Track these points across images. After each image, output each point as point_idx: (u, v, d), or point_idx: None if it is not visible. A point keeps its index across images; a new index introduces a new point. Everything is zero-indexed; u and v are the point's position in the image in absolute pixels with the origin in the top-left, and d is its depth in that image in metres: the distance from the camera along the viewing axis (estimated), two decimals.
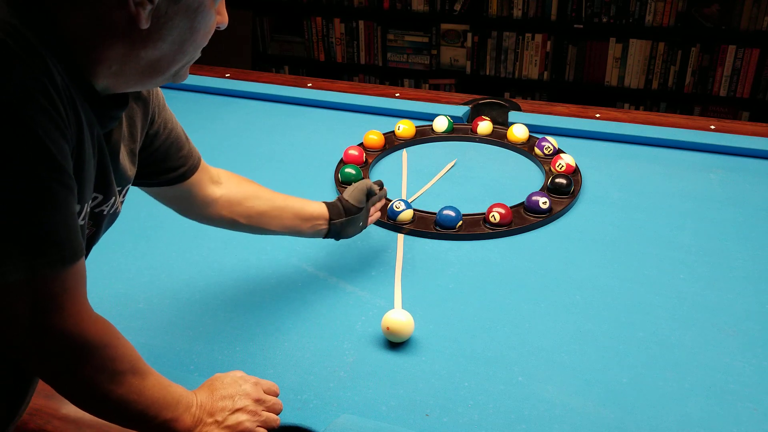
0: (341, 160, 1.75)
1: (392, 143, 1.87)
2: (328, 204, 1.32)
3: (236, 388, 0.93)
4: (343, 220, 1.31)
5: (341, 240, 1.36)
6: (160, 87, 0.95)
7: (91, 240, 0.90)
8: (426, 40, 3.96)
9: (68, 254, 0.72)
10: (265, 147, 1.92)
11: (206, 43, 0.82)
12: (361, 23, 4.02)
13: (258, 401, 0.93)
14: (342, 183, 1.66)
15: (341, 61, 4.15)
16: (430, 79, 4.04)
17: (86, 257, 0.91)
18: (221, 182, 1.19)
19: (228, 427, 0.90)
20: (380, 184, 1.43)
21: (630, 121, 1.94)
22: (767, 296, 1.28)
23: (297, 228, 1.27)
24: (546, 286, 1.32)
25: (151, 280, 1.35)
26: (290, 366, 1.12)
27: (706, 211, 1.56)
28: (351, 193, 1.34)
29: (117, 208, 0.92)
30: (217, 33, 0.84)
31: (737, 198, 1.61)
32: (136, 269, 1.38)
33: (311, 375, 1.10)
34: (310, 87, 2.22)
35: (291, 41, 4.25)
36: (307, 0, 4.08)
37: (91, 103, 0.77)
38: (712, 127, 1.89)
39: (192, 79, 2.28)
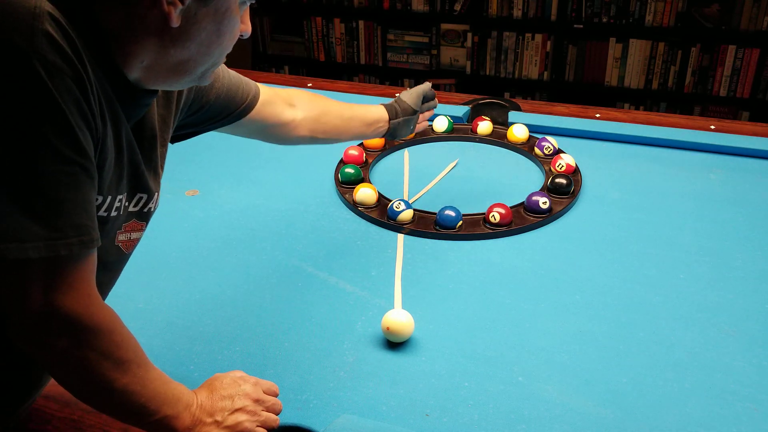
0: (341, 160, 1.75)
1: (392, 143, 1.87)
2: (386, 106, 1.41)
3: (236, 388, 0.93)
4: (400, 120, 1.41)
5: (340, 237, 1.36)
6: None
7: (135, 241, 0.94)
8: (426, 40, 3.96)
9: (86, 239, 0.74)
10: (265, 147, 1.91)
11: (230, 48, 0.85)
12: (361, 23, 4.02)
13: (257, 401, 0.93)
14: (342, 183, 1.66)
15: (341, 61, 4.15)
16: (430, 79, 4.04)
17: (130, 256, 0.95)
18: (295, 104, 1.26)
19: (227, 427, 0.90)
20: (433, 94, 1.50)
21: (630, 121, 1.94)
22: (767, 296, 1.28)
23: (364, 133, 1.39)
24: (546, 286, 1.32)
25: (151, 280, 1.35)
26: (290, 366, 1.12)
27: (706, 211, 1.56)
28: (410, 95, 1.43)
29: (158, 198, 0.96)
30: None
31: (737, 198, 1.61)
32: (136, 269, 1.37)
33: (311, 375, 1.10)
34: (310, 87, 2.22)
35: (291, 41, 4.25)
36: (307, 0, 4.09)
37: (122, 93, 0.79)
38: (712, 127, 1.89)
39: None
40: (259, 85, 1.21)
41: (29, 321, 0.74)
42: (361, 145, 1.82)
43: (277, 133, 1.25)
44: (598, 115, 1.98)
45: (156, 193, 0.93)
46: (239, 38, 0.87)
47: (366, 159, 1.77)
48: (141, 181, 0.88)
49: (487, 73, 3.89)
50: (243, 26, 0.86)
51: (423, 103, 1.46)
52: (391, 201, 1.54)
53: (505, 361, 1.13)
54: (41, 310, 0.73)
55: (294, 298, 1.29)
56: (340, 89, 2.21)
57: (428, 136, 1.91)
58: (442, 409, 1.03)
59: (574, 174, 1.67)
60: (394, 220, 1.51)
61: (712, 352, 1.14)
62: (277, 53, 4.29)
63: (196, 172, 1.78)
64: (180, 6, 0.75)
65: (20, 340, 0.76)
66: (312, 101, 1.30)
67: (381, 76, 4.14)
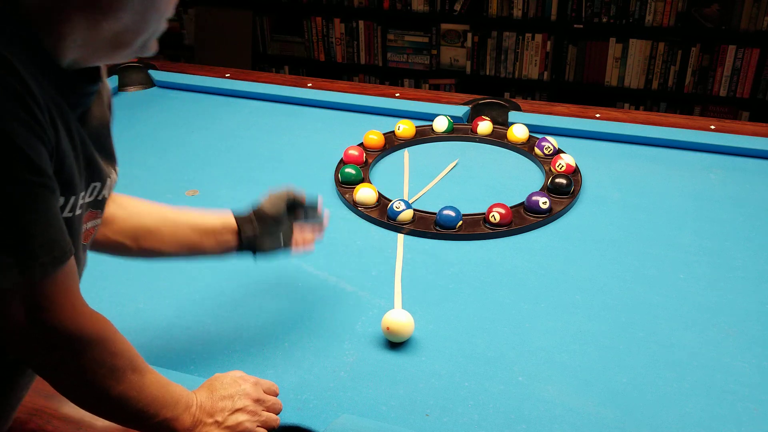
0: (341, 160, 1.75)
1: (392, 143, 1.87)
2: (236, 214, 1.16)
3: (236, 388, 0.93)
4: (256, 233, 1.15)
5: (340, 237, 1.35)
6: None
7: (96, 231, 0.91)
8: (426, 40, 3.96)
9: (58, 253, 0.72)
10: (265, 147, 1.92)
11: (171, 12, 0.80)
12: (361, 23, 4.02)
13: (258, 401, 0.93)
14: (342, 183, 1.66)
15: (341, 61, 4.15)
16: (430, 79, 4.04)
17: (88, 247, 0.92)
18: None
19: (228, 427, 0.90)
20: (312, 205, 1.24)
21: (630, 121, 1.94)
22: (767, 296, 1.28)
23: (197, 245, 1.11)
24: (546, 286, 1.32)
25: (151, 280, 1.35)
26: (290, 366, 1.12)
27: (706, 211, 1.56)
28: (267, 199, 1.18)
29: (114, 181, 0.92)
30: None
31: (737, 198, 1.61)
32: (136, 269, 1.37)
33: (311, 375, 1.10)
34: (310, 87, 2.22)
35: (291, 41, 4.25)
36: (307, 0, 4.09)
37: (61, 83, 0.76)
38: (712, 127, 1.89)
39: (192, 79, 2.28)
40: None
41: (19, 341, 0.74)
42: (361, 145, 1.82)
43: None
44: (598, 115, 1.98)
45: (109, 178, 0.89)
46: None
47: (366, 159, 1.77)
48: (95, 170, 0.85)
49: (487, 73, 3.89)
50: None
51: (294, 209, 1.21)
52: (391, 201, 1.54)
53: (505, 361, 1.13)
54: (28, 330, 0.73)
55: (294, 298, 1.29)
56: (340, 89, 2.20)
57: (428, 136, 1.91)
58: (442, 409, 1.03)
59: (574, 174, 1.67)
60: (394, 220, 1.51)
61: (712, 352, 1.14)
62: (277, 53, 4.29)
63: (196, 172, 1.78)
64: None
65: (15, 355, 0.76)
66: (123, 202, 1.06)
67: (381, 76, 4.14)
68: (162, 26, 0.81)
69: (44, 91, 0.72)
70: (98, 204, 0.88)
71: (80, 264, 0.89)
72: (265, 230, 1.16)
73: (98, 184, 0.86)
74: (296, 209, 1.21)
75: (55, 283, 0.73)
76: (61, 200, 0.76)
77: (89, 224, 0.88)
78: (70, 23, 0.73)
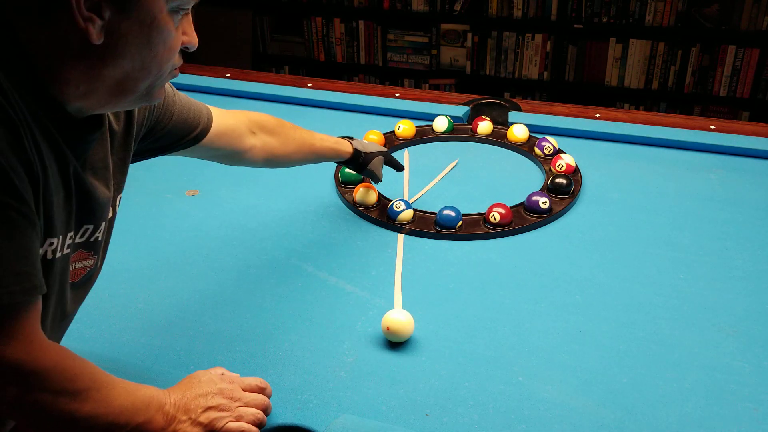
0: None
1: (392, 143, 1.87)
2: (354, 146, 1.47)
3: (211, 386, 0.93)
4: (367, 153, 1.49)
5: (340, 237, 1.35)
6: None
7: (94, 268, 0.93)
8: (426, 40, 3.96)
9: (28, 286, 0.72)
10: None
11: (170, 60, 0.81)
12: (361, 23, 4.02)
13: (232, 399, 0.93)
14: (342, 183, 1.66)
15: (341, 61, 4.15)
16: (430, 79, 4.04)
17: (91, 285, 0.94)
18: (256, 131, 1.26)
19: (199, 423, 0.89)
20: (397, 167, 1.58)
21: (630, 121, 1.94)
22: (767, 296, 1.28)
23: (325, 154, 1.43)
24: (546, 286, 1.32)
25: (151, 280, 1.35)
26: (290, 366, 1.12)
27: (706, 211, 1.56)
28: (372, 158, 1.49)
29: (112, 221, 0.94)
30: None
31: (737, 198, 1.61)
32: (136, 269, 1.38)
33: (311, 375, 1.10)
34: (310, 87, 2.22)
35: (291, 41, 4.25)
36: (307, 0, 4.09)
37: (65, 129, 0.77)
38: (712, 127, 1.89)
39: (192, 79, 2.28)
40: (224, 112, 1.19)
41: None
42: None
43: (234, 159, 1.26)
44: (598, 115, 1.98)
45: (103, 222, 0.90)
46: (189, 50, 0.83)
47: None
48: (89, 213, 0.86)
49: (487, 73, 3.89)
50: (186, 38, 0.82)
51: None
52: (391, 201, 1.54)
53: (505, 361, 1.13)
54: None
55: (294, 298, 1.29)
56: (340, 89, 2.20)
57: (428, 136, 1.91)
58: (442, 409, 1.03)
59: (574, 174, 1.67)
60: (394, 220, 1.51)
61: (712, 352, 1.14)
62: (277, 53, 4.29)
63: (196, 172, 1.78)
64: (99, 22, 0.72)
65: None
66: (273, 130, 1.30)
67: (381, 76, 4.14)
68: (165, 74, 0.82)
69: (42, 128, 0.73)
70: (90, 245, 0.89)
71: (66, 303, 0.89)
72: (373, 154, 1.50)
73: (91, 227, 0.87)
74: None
75: (19, 316, 0.72)
76: (54, 242, 0.77)
77: (78, 264, 0.89)
78: (71, 70, 0.74)
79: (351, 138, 1.51)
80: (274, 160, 1.32)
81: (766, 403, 1.04)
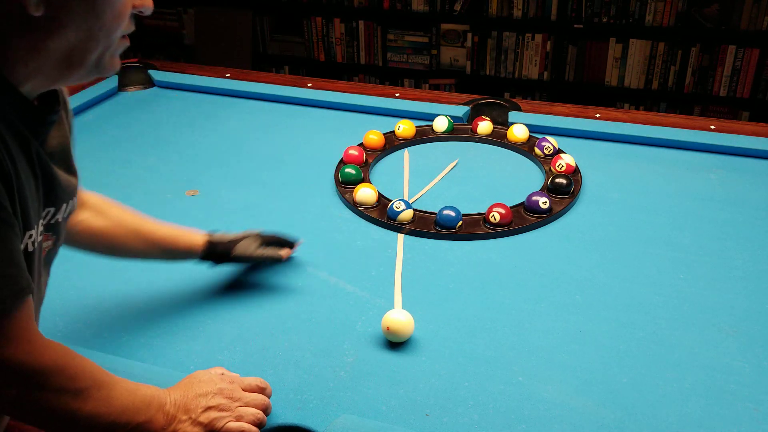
0: (341, 160, 1.75)
1: (392, 143, 1.87)
2: (210, 239, 1.26)
3: (211, 386, 0.93)
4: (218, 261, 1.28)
5: (340, 237, 1.35)
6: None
7: (53, 249, 0.91)
8: (426, 40, 3.96)
9: (16, 288, 0.72)
10: (265, 147, 1.92)
11: (122, 27, 0.78)
12: (361, 23, 4.02)
13: (232, 398, 0.93)
14: (342, 183, 1.66)
15: (341, 61, 4.15)
16: (430, 79, 4.04)
17: (50, 265, 0.93)
18: (85, 207, 1.11)
19: (200, 423, 0.89)
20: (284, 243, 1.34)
21: (630, 121, 1.94)
22: (767, 296, 1.28)
23: (159, 258, 1.25)
24: (546, 286, 1.32)
25: (150, 280, 1.35)
26: (290, 366, 1.12)
27: (706, 211, 1.56)
28: (241, 243, 1.28)
29: (74, 206, 0.93)
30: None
31: (737, 198, 1.61)
32: (136, 269, 1.37)
33: (311, 375, 1.10)
34: (310, 87, 2.22)
35: (291, 41, 4.25)
36: (307, 0, 4.09)
37: (25, 113, 0.76)
38: (712, 127, 1.89)
39: (192, 79, 2.28)
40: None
41: None
42: (361, 145, 1.82)
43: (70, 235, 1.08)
44: (598, 115, 1.98)
45: (64, 204, 0.88)
46: (143, 14, 0.78)
47: (366, 159, 1.77)
48: (52, 195, 0.85)
49: (487, 73, 3.89)
50: (138, 0, 0.78)
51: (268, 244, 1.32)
52: (391, 201, 1.54)
53: (505, 361, 1.13)
54: None
55: (294, 298, 1.29)
56: (340, 89, 2.20)
57: (428, 136, 1.91)
58: (442, 409, 1.03)
59: (574, 174, 1.67)
60: (394, 220, 1.51)
61: (712, 352, 1.14)
62: (277, 53, 4.29)
63: (196, 172, 1.78)
64: None
65: None
66: (107, 211, 1.15)
67: (381, 76, 4.14)
68: (114, 42, 0.78)
69: (6, 123, 0.72)
70: (50, 227, 0.88)
71: (41, 289, 0.89)
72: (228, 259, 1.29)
73: (52, 209, 0.86)
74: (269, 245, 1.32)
75: (13, 318, 0.73)
76: (32, 234, 0.77)
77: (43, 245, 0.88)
78: (16, 46, 0.72)
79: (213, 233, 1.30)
80: (103, 244, 1.15)
81: (766, 403, 1.04)
